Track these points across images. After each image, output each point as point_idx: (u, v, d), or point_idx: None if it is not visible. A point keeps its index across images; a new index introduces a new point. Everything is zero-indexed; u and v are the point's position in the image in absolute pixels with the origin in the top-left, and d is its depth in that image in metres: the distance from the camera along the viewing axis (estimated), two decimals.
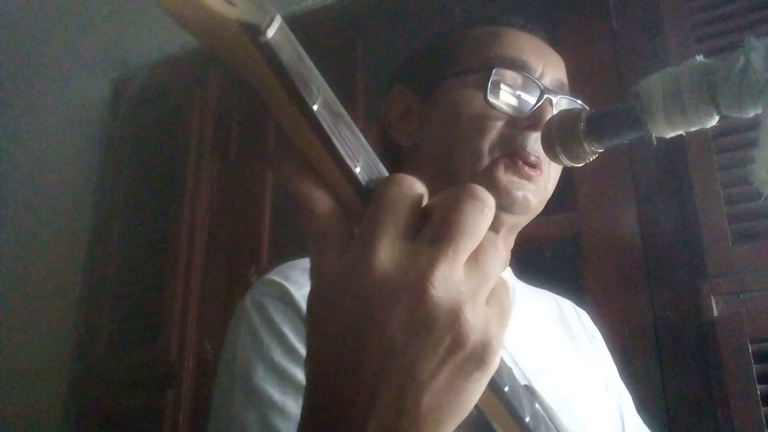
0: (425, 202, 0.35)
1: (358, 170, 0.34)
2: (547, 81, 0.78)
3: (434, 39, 0.88)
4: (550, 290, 0.96)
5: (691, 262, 1.22)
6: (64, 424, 1.81)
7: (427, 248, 0.32)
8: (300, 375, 0.62)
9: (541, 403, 0.50)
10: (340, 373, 0.33)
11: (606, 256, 1.32)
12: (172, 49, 2.06)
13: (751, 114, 0.50)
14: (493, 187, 0.72)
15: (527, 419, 0.44)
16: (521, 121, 0.75)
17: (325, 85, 0.33)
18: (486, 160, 0.74)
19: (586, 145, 0.58)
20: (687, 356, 1.18)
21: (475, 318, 0.33)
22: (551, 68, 0.80)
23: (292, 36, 0.32)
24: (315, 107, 0.32)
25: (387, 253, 0.32)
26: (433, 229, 0.33)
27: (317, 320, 0.35)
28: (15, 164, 2.31)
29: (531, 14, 1.56)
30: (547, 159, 0.75)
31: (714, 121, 0.52)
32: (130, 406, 1.72)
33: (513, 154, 0.74)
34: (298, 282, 0.70)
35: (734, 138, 1.22)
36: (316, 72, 0.33)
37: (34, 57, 2.43)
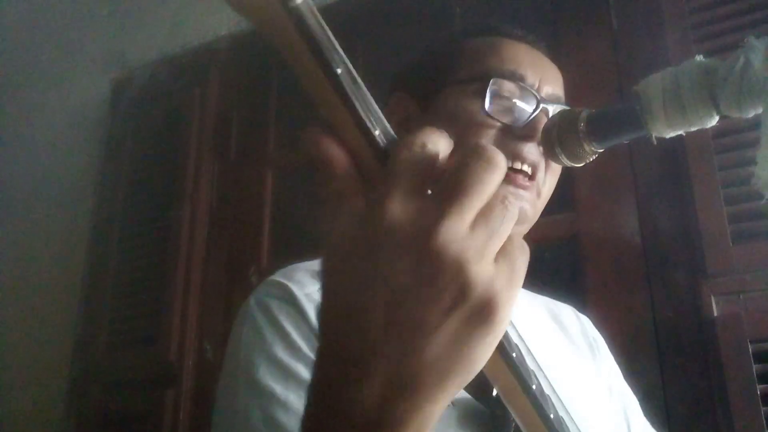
0: (442, 159, 0.36)
1: (377, 133, 0.36)
2: (543, 93, 0.80)
3: (434, 47, 0.91)
4: (550, 291, 0.96)
5: (691, 262, 1.22)
6: (64, 424, 1.81)
7: (436, 204, 0.34)
8: (302, 371, 0.63)
9: (538, 385, 0.51)
10: (349, 320, 0.35)
11: (606, 256, 1.32)
12: (172, 49, 2.06)
13: (751, 114, 0.50)
14: None
15: (533, 387, 0.45)
16: (517, 131, 0.76)
17: (346, 58, 0.35)
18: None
19: (586, 145, 0.59)
20: (687, 356, 1.18)
21: (480, 272, 0.33)
22: (548, 82, 0.82)
23: (315, 9, 0.34)
24: (339, 71, 0.34)
25: (398, 206, 0.34)
26: (442, 187, 0.34)
27: (330, 273, 0.36)
28: (15, 164, 2.31)
29: (531, 14, 1.56)
30: (541, 167, 0.77)
31: (714, 121, 0.52)
32: (130, 406, 1.72)
33: (507, 162, 0.75)
34: (301, 282, 0.71)
35: (734, 138, 1.22)
36: (337, 45, 0.35)
37: (34, 57, 2.43)
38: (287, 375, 0.63)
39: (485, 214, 0.35)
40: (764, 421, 1.06)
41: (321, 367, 0.37)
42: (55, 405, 1.84)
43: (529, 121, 0.76)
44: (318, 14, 0.34)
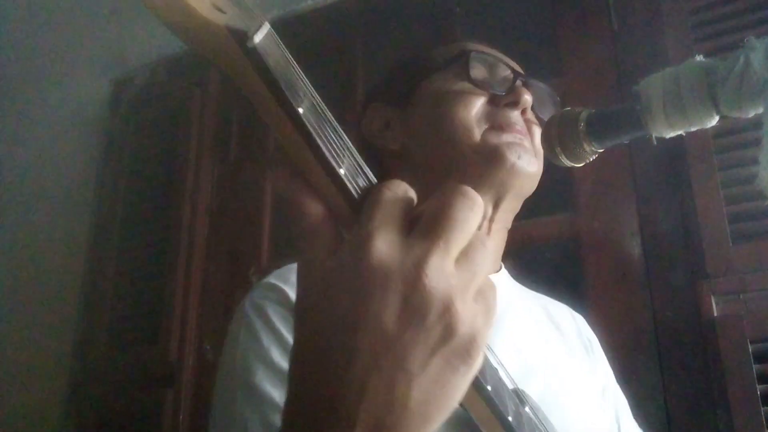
0: (416, 206, 0.36)
1: (342, 171, 0.35)
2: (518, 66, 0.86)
3: (402, 57, 0.96)
4: (548, 291, 0.96)
5: (691, 262, 1.22)
6: (64, 424, 1.81)
7: (421, 241, 0.34)
8: None
9: (531, 406, 0.51)
10: (331, 364, 0.34)
11: (606, 256, 1.32)
12: (172, 49, 2.06)
13: (751, 114, 0.50)
14: (494, 151, 0.77)
15: (510, 418, 0.44)
16: (501, 99, 0.80)
17: (312, 89, 0.35)
18: (476, 131, 0.78)
19: (586, 145, 0.59)
20: (687, 356, 1.18)
21: (465, 311, 0.34)
22: (513, 65, 0.87)
23: (279, 42, 0.34)
24: (300, 110, 0.33)
25: (383, 245, 0.33)
26: (426, 225, 0.34)
27: (307, 315, 0.36)
28: (15, 164, 2.31)
29: (531, 14, 1.56)
30: (533, 133, 0.81)
31: (714, 121, 0.52)
32: (130, 406, 1.72)
33: (499, 125, 0.79)
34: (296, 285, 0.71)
35: (734, 138, 1.22)
36: (302, 76, 0.34)
37: (34, 57, 2.43)
38: (284, 379, 0.63)
39: (467, 252, 0.35)
40: (764, 421, 1.06)
41: (295, 413, 0.36)
42: (55, 405, 1.84)
43: (512, 89, 0.81)
44: (282, 46, 0.33)
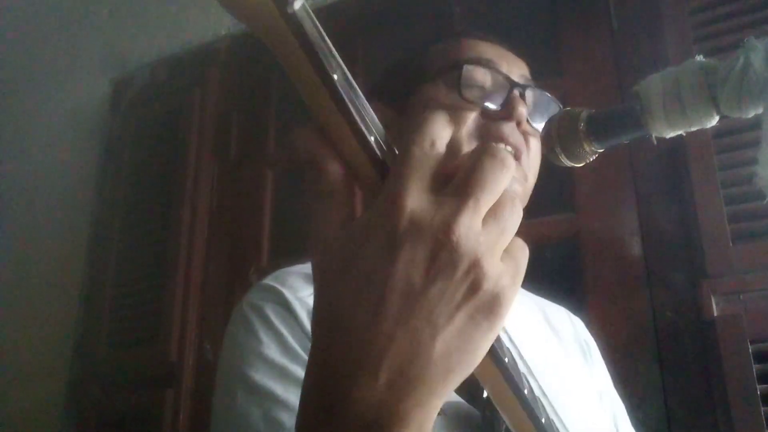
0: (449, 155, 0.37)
1: (372, 139, 0.36)
2: (514, 77, 0.81)
3: (402, 56, 0.94)
4: (550, 291, 0.95)
5: (691, 262, 1.22)
6: (64, 424, 1.81)
7: (451, 200, 0.34)
8: (300, 372, 0.63)
9: (530, 390, 0.51)
10: (357, 318, 0.34)
11: (606, 256, 1.32)
12: (172, 49, 2.06)
13: (751, 114, 0.50)
14: None
15: (525, 392, 0.45)
16: (494, 114, 0.78)
17: (342, 63, 0.36)
18: (465, 148, 0.75)
19: (586, 145, 0.59)
20: (687, 356, 1.18)
21: (490, 268, 0.34)
22: (515, 67, 0.84)
23: (312, 15, 0.34)
24: (335, 76, 0.34)
25: (414, 202, 0.34)
26: (456, 184, 0.35)
27: (331, 272, 0.36)
28: (15, 164, 2.31)
29: (531, 14, 1.56)
30: (525, 151, 0.79)
31: (714, 121, 0.52)
32: (130, 406, 1.73)
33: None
34: (294, 287, 0.71)
35: (734, 138, 1.22)
36: (333, 49, 0.35)
37: (34, 57, 2.43)
38: (285, 376, 0.63)
39: (496, 211, 0.35)
40: (764, 421, 1.06)
41: (319, 366, 0.37)
42: (55, 405, 1.84)
43: (506, 102, 0.78)
44: (315, 19, 0.34)
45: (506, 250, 0.36)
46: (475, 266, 0.34)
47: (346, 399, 0.34)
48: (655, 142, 0.56)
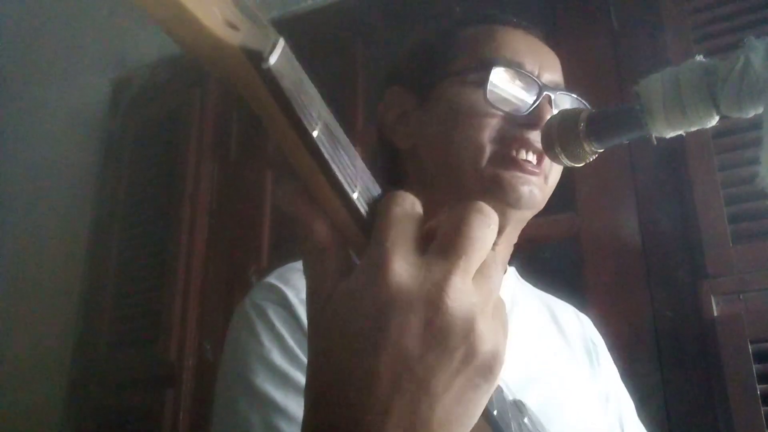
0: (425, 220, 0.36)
1: (355, 196, 0.34)
2: (544, 80, 0.78)
3: (429, 38, 0.88)
4: (550, 291, 0.95)
5: (691, 262, 1.22)
6: (64, 424, 1.81)
7: (440, 260, 0.33)
8: (301, 378, 0.63)
9: (530, 417, 0.50)
10: (352, 387, 0.33)
11: (606, 256, 1.32)
12: (172, 49, 2.05)
13: (751, 114, 0.50)
14: (497, 184, 0.73)
15: None
16: (520, 119, 0.75)
17: (326, 108, 0.34)
18: (486, 156, 0.74)
19: (586, 145, 0.59)
20: (687, 356, 1.18)
21: (486, 329, 0.33)
22: (547, 69, 0.80)
23: (294, 60, 0.32)
24: (315, 133, 0.32)
25: (401, 265, 0.33)
26: (443, 243, 0.34)
27: (322, 338, 0.35)
28: (15, 164, 2.31)
29: (531, 14, 1.56)
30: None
31: (714, 121, 0.52)
32: (130, 406, 1.73)
33: (512, 150, 0.74)
34: (296, 287, 0.71)
35: (734, 138, 1.22)
36: (317, 96, 0.33)
37: (34, 57, 2.43)
38: (286, 382, 0.63)
39: (483, 270, 0.34)
40: (764, 421, 1.06)
41: (314, 429, 0.35)
42: (55, 405, 1.84)
43: (533, 109, 0.75)
44: (294, 63, 0.32)
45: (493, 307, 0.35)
46: (472, 330, 0.32)
47: None
48: (655, 142, 0.56)
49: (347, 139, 0.35)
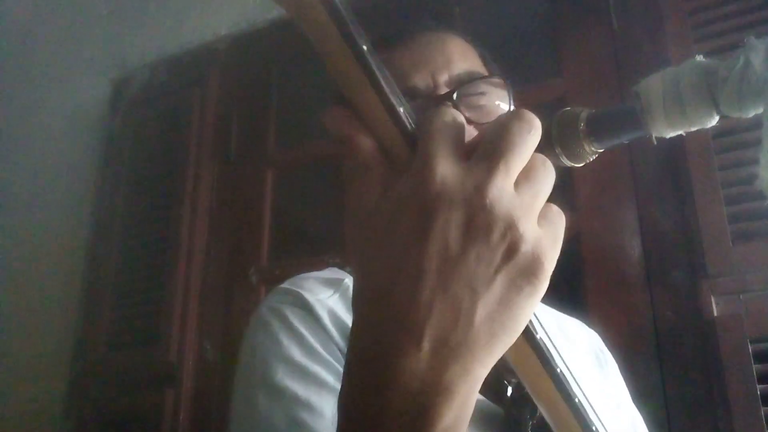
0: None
1: (402, 110, 0.36)
2: (446, 78, 0.71)
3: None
4: (550, 291, 0.94)
5: (691, 262, 1.22)
6: (64, 424, 1.81)
7: (481, 163, 0.34)
8: (322, 373, 0.62)
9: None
10: (398, 287, 0.34)
11: (606, 256, 1.32)
12: (172, 49, 2.06)
13: (751, 114, 0.50)
14: None
15: (558, 370, 0.43)
16: None
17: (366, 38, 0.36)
18: None
19: (586, 145, 0.58)
20: (687, 356, 1.18)
21: (528, 231, 0.34)
22: (441, 69, 0.72)
23: None
24: (365, 47, 0.35)
25: (444, 169, 0.34)
26: (485, 148, 0.35)
27: (368, 245, 0.36)
28: (15, 164, 2.31)
29: (531, 14, 1.56)
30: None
31: (714, 121, 0.52)
32: (130, 406, 1.72)
33: None
34: (312, 290, 0.70)
35: (734, 138, 1.22)
36: (359, 26, 0.35)
37: (34, 57, 2.43)
38: (307, 377, 0.62)
39: (528, 173, 0.35)
40: (764, 421, 1.06)
41: (362, 338, 0.36)
42: (55, 405, 1.84)
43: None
44: None
45: (542, 216, 0.36)
46: (512, 228, 0.33)
47: (391, 370, 0.34)
48: (655, 142, 0.56)
49: (388, 73, 0.36)
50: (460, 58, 0.74)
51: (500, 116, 0.37)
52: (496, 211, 0.33)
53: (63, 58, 2.34)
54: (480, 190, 0.33)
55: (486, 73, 0.74)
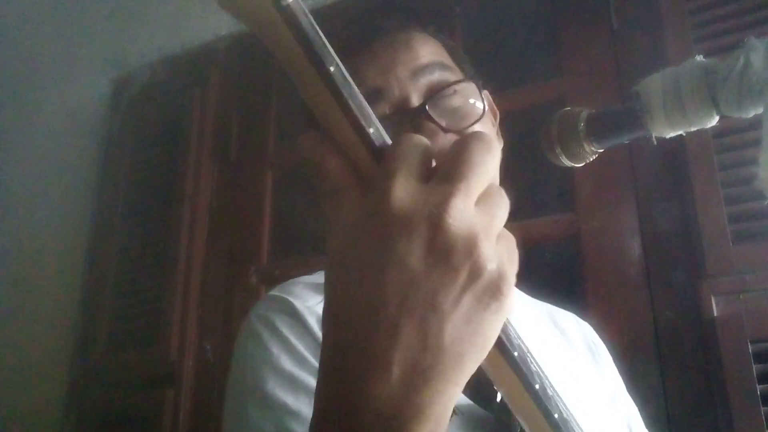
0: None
1: (371, 131, 0.36)
2: (407, 73, 0.70)
3: None
4: (550, 291, 0.95)
5: (691, 262, 1.22)
6: (64, 424, 1.81)
7: (442, 184, 0.34)
8: (312, 382, 0.62)
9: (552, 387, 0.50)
10: (361, 310, 0.34)
11: (606, 256, 1.32)
12: (172, 49, 2.06)
13: (751, 114, 0.50)
14: None
15: (537, 387, 0.43)
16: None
17: (336, 56, 0.35)
18: None
19: (586, 145, 0.59)
20: (687, 356, 1.18)
21: (490, 249, 0.34)
22: (403, 65, 0.70)
23: (307, 11, 0.35)
24: (332, 68, 0.34)
25: (403, 191, 0.34)
26: (445, 169, 0.35)
27: (336, 269, 0.36)
28: (15, 164, 2.31)
29: (531, 14, 1.56)
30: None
31: (714, 121, 0.52)
32: (130, 406, 1.72)
33: None
34: (301, 296, 0.70)
35: (734, 138, 1.22)
36: (327, 44, 0.35)
37: (34, 57, 2.43)
38: (297, 386, 0.62)
39: (485, 196, 0.35)
40: (764, 421, 1.06)
41: (331, 364, 0.36)
42: (55, 405, 1.84)
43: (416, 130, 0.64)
44: (309, 14, 0.35)
45: (498, 235, 0.36)
46: (474, 248, 0.33)
47: (361, 397, 0.34)
48: (655, 142, 0.56)
49: (357, 89, 0.36)
50: (426, 55, 0.73)
51: (462, 137, 0.37)
52: (457, 231, 0.33)
53: (63, 58, 2.34)
54: (440, 210, 0.33)
55: (453, 65, 0.75)
